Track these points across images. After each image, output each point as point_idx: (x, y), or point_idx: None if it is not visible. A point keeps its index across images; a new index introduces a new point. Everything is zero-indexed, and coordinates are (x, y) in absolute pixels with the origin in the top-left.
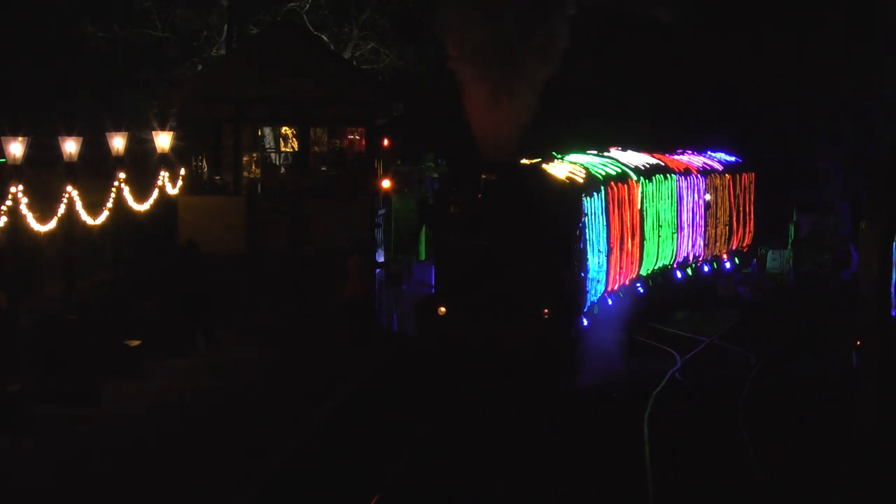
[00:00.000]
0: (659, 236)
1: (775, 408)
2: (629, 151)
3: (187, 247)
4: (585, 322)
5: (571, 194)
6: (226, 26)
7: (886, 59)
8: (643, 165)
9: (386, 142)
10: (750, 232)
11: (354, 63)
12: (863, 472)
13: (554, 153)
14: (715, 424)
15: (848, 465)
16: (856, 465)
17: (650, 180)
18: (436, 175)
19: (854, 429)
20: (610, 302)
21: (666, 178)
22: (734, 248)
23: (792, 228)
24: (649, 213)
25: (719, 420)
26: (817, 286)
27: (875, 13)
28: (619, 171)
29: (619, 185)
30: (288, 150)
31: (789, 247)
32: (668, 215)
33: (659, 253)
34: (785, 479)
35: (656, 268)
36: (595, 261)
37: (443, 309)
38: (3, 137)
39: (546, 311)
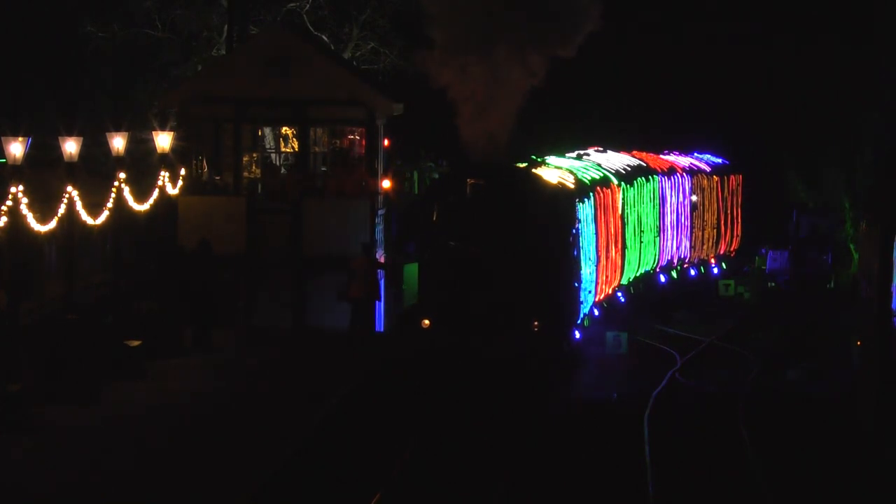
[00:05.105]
0: (641, 242)
1: (775, 408)
2: (609, 152)
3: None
4: (578, 335)
5: (564, 199)
6: (226, 26)
7: (885, 59)
8: (624, 168)
9: (386, 142)
10: (737, 236)
11: (354, 63)
12: (863, 473)
13: (534, 157)
14: (714, 424)
15: (848, 465)
16: (856, 465)
17: (631, 184)
18: (436, 175)
19: (854, 429)
20: (596, 313)
21: (648, 179)
22: (722, 252)
23: (792, 229)
24: (630, 218)
25: (719, 420)
26: (816, 286)
27: (874, 13)
28: (602, 175)
29: (604, 190)
30: (288, 150)
31: (788, 247)
32: (649, 219)
33: (641, 259)
34: (784, 479)
35: (638, 274)
36: (587, 270)
37: (427, 321)
38: (3, 137)
39: (536, 323)
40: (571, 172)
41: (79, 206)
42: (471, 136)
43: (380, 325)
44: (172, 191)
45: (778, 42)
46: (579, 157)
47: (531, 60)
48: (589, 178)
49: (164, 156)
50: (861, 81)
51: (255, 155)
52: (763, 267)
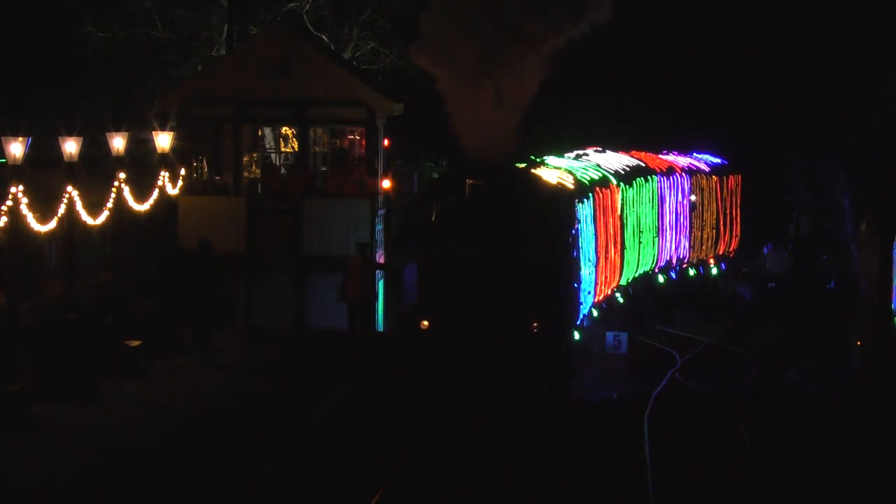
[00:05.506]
0: (640, 242)
1: (775, 408)
2: (608, 152)
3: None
4: (577, 335)
5: (563, 200)
6: (226, 26)
7: (885, 60)
8: (623, 168)
9: (386, 142)
10: (737, 236)
11: (354, 63)
12: (863, 473)
13: (533, 157)
14: (714, 424)
15: (848, 465)
16: (856, 465)
17: (630, 185)
18: (436, 175)
19: (854, 429)
20: (596, 313)
21: (647, 180)
22: (721, 252)
23: (792, 229)
24: (630, 219)
25: (719, 420)
26: (817, 286)
27: (874, 14)
28: (601, 175)
29: (603, 190)
30: (288, 150)
31: (789, 247)
32: (648, 219)
33: (640, 260)
34: (784, 479)
35: (637, 275)
36: (586, 271)
37: (426, 322)
38: (3, 137)
39: (536, 324)
40: (570, 173)
41: (79, 206)
42: (471, 134)
43: (380, 325)
44: (172, 191)
45: (778, 42)
46: (578, 158)
47: (531, 57)
48: (588, 178)
49: (164, 156)
50: (861, 81)
51: (255, 155)
52: (763, 267)
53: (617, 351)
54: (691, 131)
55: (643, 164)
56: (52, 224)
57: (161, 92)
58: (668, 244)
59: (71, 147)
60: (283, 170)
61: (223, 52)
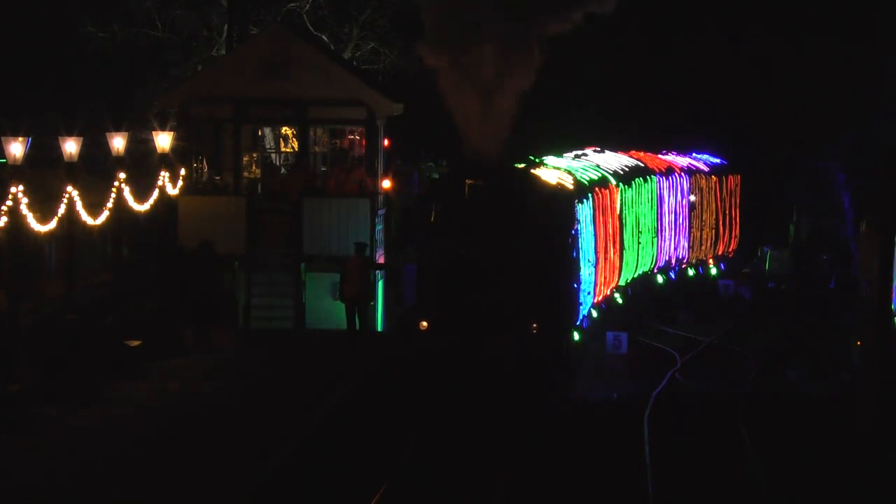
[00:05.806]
0: (639, 243)
1: (775, 408)
2: (607, 152)
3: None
4: (577, 336)
5: (563, 200)
6: (226, 26)
7: (885, 59)
8: (622, 169)
9: (386, 142)
10: (736, 236)
11: (354, 63)
12: (863, 473)
13: (532, 157)
14: (714, 424)
15: (848, 465)
16: (856, 465)
17: (629, 185)
18: (436, 175)
19: (854, 429)
20: (595, 314)
21: (646, 180)
22: (720, 252)
23: (792, 229)
24: (629, 219)
25: (719, 420)
26: (817, 286)
27: (874, 13)
28: (600, 176)
29: (602, 190)
30: (288, 150)
31: (789, 247)
32: (647, 220)
33: (639, 260)
34: (784, 479)
35: (636, 276)
36: (586, 271)
37: (425, 323)
38: (3, 137)
39: (535, 325)
40: (570, 173)
41: (79, 206)
42: (471, 134)
43: (379, 325)
44: (172, 191)
45: (777, 41)
46: (577, 158)
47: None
48: (587, 178)
49: (164, 156)
50: (861, 81)
51: (255, 155)
52: (764, 267)
53: (617, 351)
54: (691, 131)
55: (642, 165)
56: (52, 224)
57: (161, 92)
58: (667, 244)
59: (71, 147)
60: (283, 170)
61: (223, 52)
